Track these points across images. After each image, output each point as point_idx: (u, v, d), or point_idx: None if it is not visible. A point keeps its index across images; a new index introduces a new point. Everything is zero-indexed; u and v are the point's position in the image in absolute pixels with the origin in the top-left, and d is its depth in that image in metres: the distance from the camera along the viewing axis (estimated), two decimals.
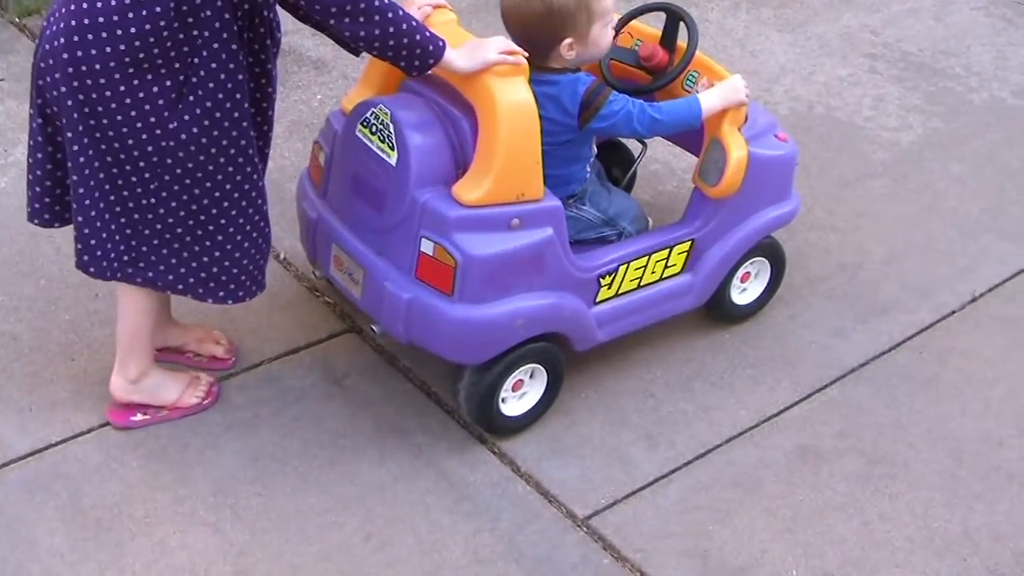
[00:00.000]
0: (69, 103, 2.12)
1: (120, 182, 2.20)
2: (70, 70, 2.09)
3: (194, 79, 2.13)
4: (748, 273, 2.90)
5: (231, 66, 2.14)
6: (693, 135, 2.70)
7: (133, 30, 2.06)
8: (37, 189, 2.31)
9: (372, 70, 2.54)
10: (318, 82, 3.82)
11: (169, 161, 2.18)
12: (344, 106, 2.53)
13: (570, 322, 2.51)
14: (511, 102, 2.25)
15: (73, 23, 2.07)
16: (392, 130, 2.33)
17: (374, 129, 2.38)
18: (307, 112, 3.65)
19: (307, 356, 2.75)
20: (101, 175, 2.18)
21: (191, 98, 2.13)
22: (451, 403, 2.63)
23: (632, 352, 2.83)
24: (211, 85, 2.13)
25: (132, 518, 2.33)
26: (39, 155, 2.27)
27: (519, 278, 2.37)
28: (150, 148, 2.16)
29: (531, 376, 2.55)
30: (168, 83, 2.11)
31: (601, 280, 2.55)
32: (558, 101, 2.42)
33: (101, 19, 2.05)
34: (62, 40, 2.09)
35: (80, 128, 2.14)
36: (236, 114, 2.18)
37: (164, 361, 2.61)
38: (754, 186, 2.68)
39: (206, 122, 2.15)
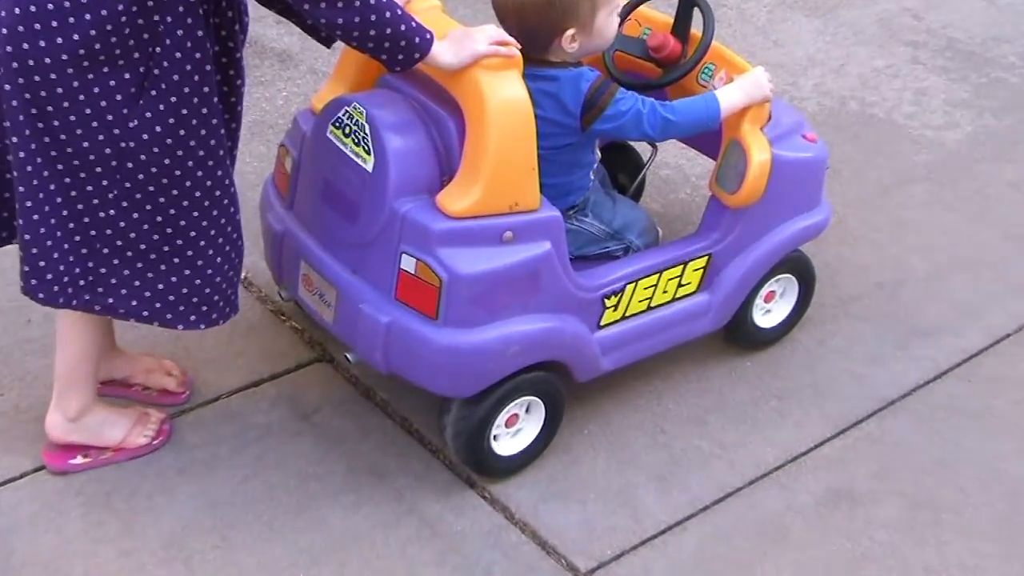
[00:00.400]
0: (14, 103, 2.13)
1: (74, 193, 2.20)
2: (15, 65, 2.09)
3: (156, 71, 2.13)
4: (773, 292, 2.95)
5: (197, 55, 2.15)
6: (710, 136, 2.74)
7: (88, 17, 2.06)
8: None
9: (345, 63, 2.58)
10: (283, 77, 3.86)
11: (130, 165, 2.18)
12: (313, 104, 2.57)
13: (571, 348, 2.54)
14: (503, 100, 2.29)
15: (17, 11, 2.06)
16: (368, 132, 2.37)
17: (348, 131, 2.42)
18: (271, 111, 3.69)
19: (272, 389, 2.78)
20: (52, 185, 2.19)
21: (153, 92, 2.14)
22: (436, 441, 2.67)
23: (641, 382, 2.87)
24: (175, 77, 2.14)
25: None
26: None
27: (513, 299, 2.40)
28: (108, 151, 2.16)
29: (527, 410, 2.58)
30: (127, 76, 2.12)
31: (606, 301, 2.58)
32: (558, 99, 2.47)
33: (51, 6, 2.05)
34: (4, 31, 2.09)
35: (27, 131, 2.14)
36: (204, 110, 2.19)
37: (108, 396, 2.64)
38: (779, 193, 2.72)
39: (171, 119, 2.16)
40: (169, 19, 2.11)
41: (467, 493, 2.58)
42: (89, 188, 2.20)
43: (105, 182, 2.20)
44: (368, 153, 2.38)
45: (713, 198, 2.75)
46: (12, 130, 2.16)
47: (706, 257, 2.72)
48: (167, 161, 2.19)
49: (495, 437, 2.54)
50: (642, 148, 3.18)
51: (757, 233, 2.77)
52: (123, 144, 2.16)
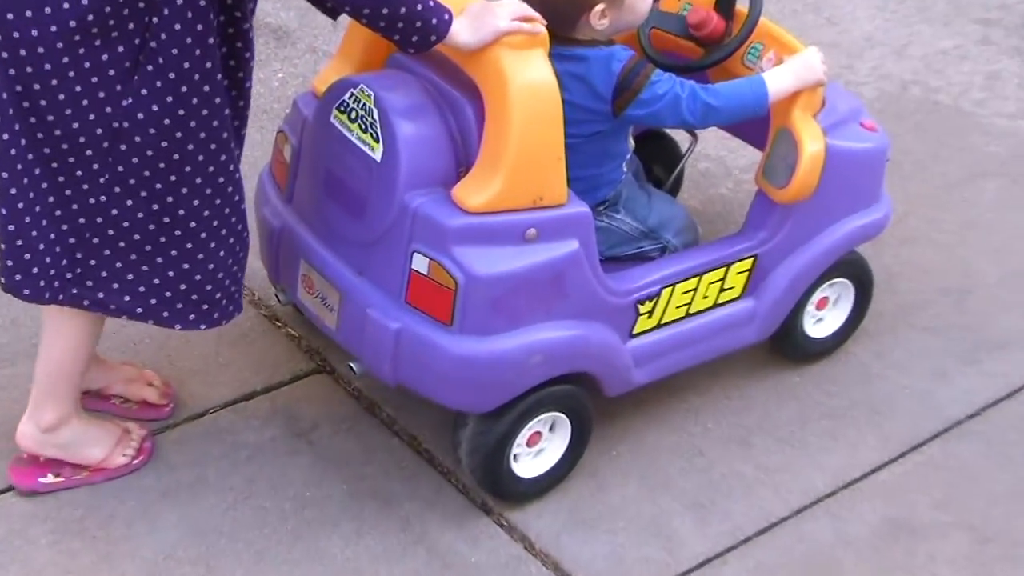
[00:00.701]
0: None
1: (62, 178, 2.22)
2: None
3: (153, 44, 2.13)
4: (825, 298, 2.95)
5: (199, 27, 2.15)
6: (756, 124, 2.75)
7: None
8: None
9: (351, 40, 2.60)
10: (280, 56, 3.88)
11: (123, 148, 2.19)
12: (315, 87, 2.59)
13: (600, 359, 2.55)
14: (527, 82, 2.30)
15: None
16: (376, 117, 2.38)
17: (353, 115, 2.43)
18: (265, 94, 3.70)
19: (265, 403, 2.79)
20: (37, 170, 2.20)
21: (149, 68, 2.15)
22: (447, 462, 2.68)
23: (676, 399, 2.88)
24: (174, 51, 2.14)
25: None
26: None
27: (536, 304, 2.41)
28: (99, 131, 2.17)
29: (551, 428, 2.59)
30: (120, 49, 2.12)
31: (639, 307, 2.59)
32: (587, 82, 2.48)
33: None
34: None
35: (10, 111, 2.15)
36: (206, 87, 2.19)
37: (83, 408, 2.64)
38: (833, 188, 2.73)
39: (169, 98, 2.17)
40: None
41: (482, 520, 2.59)
42: (79, 173, 2.21)
43: (96, 166, 2.21)
44: (376, 140, 2.39)
45: (760, 193, 2.75)
46: None
47: (751, 258, 2.73)
48: (165, 143, 2.20)
49: (515, 457, 2.55)
50: (680, 136, 3.20)
51: (809, 232, 2.78)
52: (116, 124, 2.17)
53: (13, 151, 2.19)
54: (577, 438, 2.62)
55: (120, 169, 2.22)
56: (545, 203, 2.37)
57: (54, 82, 2.12)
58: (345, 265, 2.50)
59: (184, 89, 2.17)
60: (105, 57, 2.12)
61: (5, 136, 2.18)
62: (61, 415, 2.51)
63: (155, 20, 2.12)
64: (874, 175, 2.88)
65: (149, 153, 2.21)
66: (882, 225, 2.92)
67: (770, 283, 2.76)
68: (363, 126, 2.41)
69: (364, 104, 2.40)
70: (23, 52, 2.10)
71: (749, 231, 2.75)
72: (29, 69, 2.12)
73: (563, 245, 2.40)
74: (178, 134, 2.21)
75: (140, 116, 2.17)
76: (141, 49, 2.14)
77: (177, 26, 2.13)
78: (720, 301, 2.72)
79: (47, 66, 2.11)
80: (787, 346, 2.95)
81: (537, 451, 2.60)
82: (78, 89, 2.14)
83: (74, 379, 2.49)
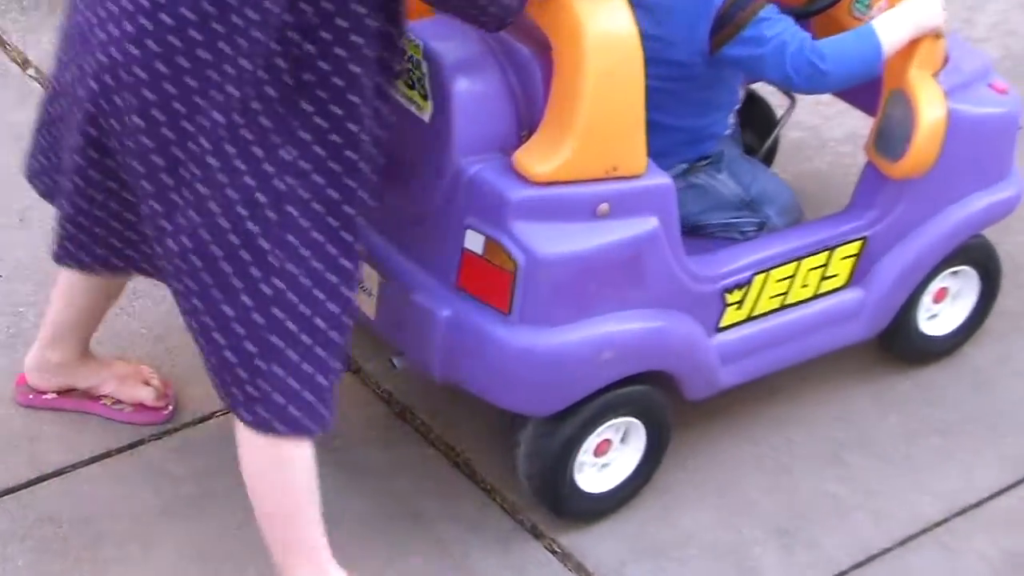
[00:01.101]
0: (146, 141, 2.09)
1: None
2: (149, 94, 2.05)
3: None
4: (944, 289, 2.94)
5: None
6: (865, 84, 2.70)
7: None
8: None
9: None
10: None
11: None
12: None
13: (681, 356, 2.55)
14: (604, 32, 2.28)
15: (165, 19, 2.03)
16: (426, 71, 2.38)
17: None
18: None
19: None
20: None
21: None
22: (491, 477, 2.67)
23: (759, 405, 2.86)
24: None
25: None
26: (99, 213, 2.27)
27: (607, 290, 2.41)
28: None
29: (622, 437, 2.59)
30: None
31: (727, 296, 2.59)
32: (680, 15, 2.48)
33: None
34: (135, 48, 2.05)
35: (168, 180, 2.12)
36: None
37: (67, 411, 2.69)
38: (956, 160, 2.71)
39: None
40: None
41: (531, 545, 2.59)
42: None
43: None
44: (425, 99, 2.39)
45: (870, 165, 2.74)
46: (148, 179, 2.14)
47: (859, 241, 2.72)
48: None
49: (580, 467, 2.55)
50: (774, 97, 3.18)
51: (926, 212, 2.77)
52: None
53: (185, 237, 2.18)
54: (652, 449, 2.62)
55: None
56: (620, 173, 2.36)
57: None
58: (387, 243, 2.50)
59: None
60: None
61: (184, 239, 2.17)
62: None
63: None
64: (1003, 146, 2.86)
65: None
66: (1012, 205, 2.90)
67: (880, 270, 2.76)
68: (410, 82, 2.41)
69: (412, 57, 2.40)
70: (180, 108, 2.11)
71: (857, 209, 2.74)
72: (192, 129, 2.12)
73: (640, 222, 2.40)
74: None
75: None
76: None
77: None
78: (821, 291, 2.72)
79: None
80: (898, 345, 2.94)
81: (602, 463, 2.59)
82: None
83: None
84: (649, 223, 2.40)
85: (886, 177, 2.70)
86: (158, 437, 2.70)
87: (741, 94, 2.69)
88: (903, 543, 2.65)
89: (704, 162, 2.66)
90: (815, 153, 3.52)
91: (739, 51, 2.48)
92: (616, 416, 2.54)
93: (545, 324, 2.38)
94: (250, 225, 2.11)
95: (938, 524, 2.69)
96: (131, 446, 2.69)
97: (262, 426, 2.21)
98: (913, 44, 2.61)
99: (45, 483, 2.61)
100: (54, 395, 2.71)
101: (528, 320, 2.37)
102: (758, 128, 3.16)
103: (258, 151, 2.11)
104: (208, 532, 2.55)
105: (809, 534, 2.65)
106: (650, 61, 2.33)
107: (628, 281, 2.42)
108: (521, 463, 2.55)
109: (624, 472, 2.62)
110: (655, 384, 2.56)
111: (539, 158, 2.32)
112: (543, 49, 2.36)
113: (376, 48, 2.16)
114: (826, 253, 2.68)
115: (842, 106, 3.25)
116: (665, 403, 2.59)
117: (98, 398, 2.73)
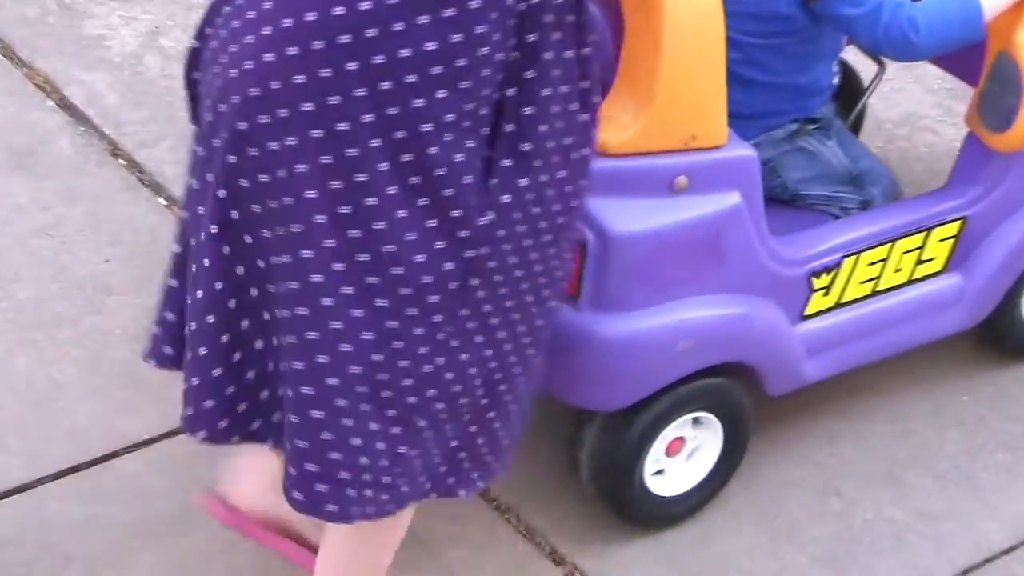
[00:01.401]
0: (310, 194, 1.88)
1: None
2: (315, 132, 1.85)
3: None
4: None
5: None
6: (967, 47, 2.70)
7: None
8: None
9: None
10: None
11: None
12: None
13: (763, 347, 2.55)
14: None
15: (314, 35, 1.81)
16: None
17: None
18: None
19: None
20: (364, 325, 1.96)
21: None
22: (506, 497, 2.64)
23: (805, 418, 2.84)
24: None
25: None
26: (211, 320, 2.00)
27: (684, 272, 2.41)
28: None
29: (696, 435, 2.60)
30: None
31: (814, 280, 2.58)
32: None
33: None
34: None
35: (329, 241, 1.91)
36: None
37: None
38: None
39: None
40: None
41: (548, 571, 2.59)
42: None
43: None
44: None
45: (971, 137, 2.73)
46: (293, 242, 1.93)
47: (959, 222, 2.72)
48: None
49: (650, 468, 2.56)
50: (862, 65, 3.19)
51: None
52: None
53: (328, 302, 1.97)
54: (733, 446, 2.62)
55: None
56: (699, 144, 2.35)
57: None
58: None
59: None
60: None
61: (318, 278, 1.96)
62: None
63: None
64: None
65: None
66: None
67: (983, 254, 2.76)
68: None
69: None
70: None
71: (956, 186, 2.74)
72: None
73: (721, 198, 2.39)
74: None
75: (500, 233, 2.02)
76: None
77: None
78: (917, 276, 2.72)
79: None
80: (1000, 336, 2.94)
81: (672, 462, 2.60)
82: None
83: None
84: (731, 199, 2.40)
85: (990, 150, 2.69)
86: (132, 449, 2.67)
87: (843, 42, 2.70)
88: (966, 572, 2.64)
89: (813, 125, 2.66)
90: (869, 136, 3.48)
91: (834, 7, 2.49)
92: (691, 411, 2.54)
93: (616, 309, 2.38)
94: None
95: (1005, 552, 2.68)
96: (102, 459, 2.66)
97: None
98: (1021, 2, 2.60)
99: (7, 500, 2.59)
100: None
101: (597, 305, 2.37)
102: (843, 97, 3.16)
103: None
104: (189, 553, 2.52)
105: (860, 562, 2.64)
106: (750, 16, 2.35)
107: (707, 263, 2.42)
108: (585, 464, 2.55)
109: (699, 474, 2.62)
110: (734, 377, 2.56)
111: (610, 127, 2.29)
112: (614, 5, 2.36)
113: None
114: (923, 234, 2.68)
115: (899, 84, 3.25)
116: (745, 398, 2.59)
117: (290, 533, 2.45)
